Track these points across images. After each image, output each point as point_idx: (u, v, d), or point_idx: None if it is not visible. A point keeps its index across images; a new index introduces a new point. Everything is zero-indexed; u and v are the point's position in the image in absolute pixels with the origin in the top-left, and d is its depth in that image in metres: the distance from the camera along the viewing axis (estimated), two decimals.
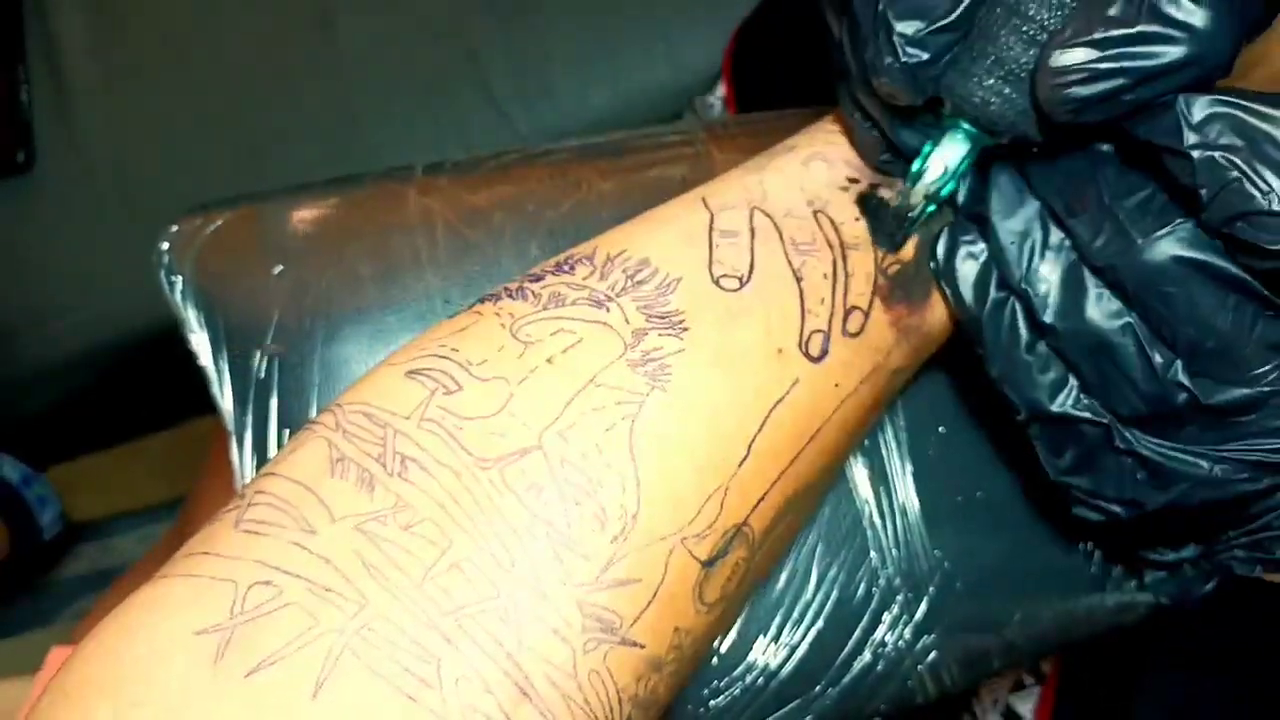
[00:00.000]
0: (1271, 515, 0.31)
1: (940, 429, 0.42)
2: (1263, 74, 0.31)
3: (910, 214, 0.30)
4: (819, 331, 0.30)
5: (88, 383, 1.08)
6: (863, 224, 0.32)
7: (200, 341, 0.39)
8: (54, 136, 1.03)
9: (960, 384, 0.42)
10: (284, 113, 1.00)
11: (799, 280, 0.30)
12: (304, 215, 0.41)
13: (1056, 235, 0.29)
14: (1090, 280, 0.28)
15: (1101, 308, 0.28)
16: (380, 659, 0.23)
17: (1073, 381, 0.30)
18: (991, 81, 0.26)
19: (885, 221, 0.31)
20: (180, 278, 0.40)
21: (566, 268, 0.30)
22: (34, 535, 1.12)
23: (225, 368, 0.39)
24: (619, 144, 0.44)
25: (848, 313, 0.30)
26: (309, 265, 0.40)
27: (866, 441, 0.41)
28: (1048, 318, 0.29)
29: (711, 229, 0.31)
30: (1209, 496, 0.29)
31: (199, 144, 1.00)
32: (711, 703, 0.39)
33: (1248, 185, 0.23)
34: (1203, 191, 0.24)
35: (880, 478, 0.41)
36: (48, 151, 1.03)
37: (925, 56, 0.27)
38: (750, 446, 0.28)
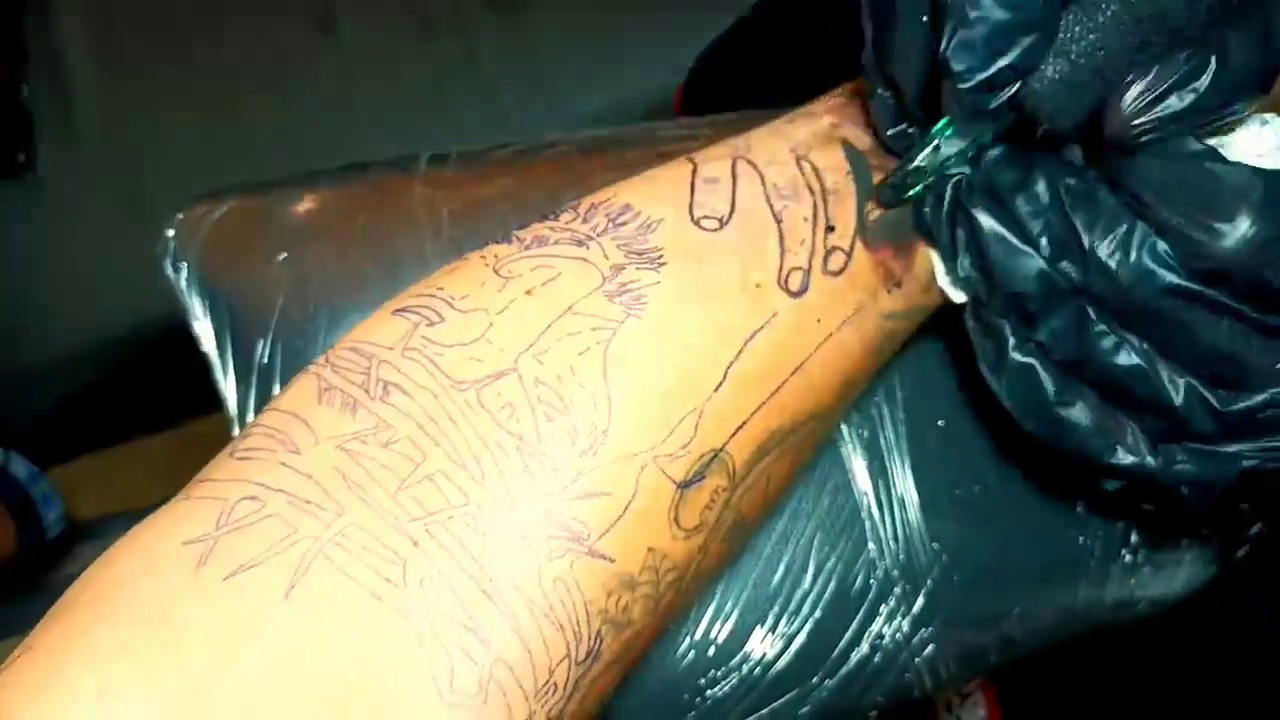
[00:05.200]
0: None
1: (940, 422, 0.42)
2: None
3: (910, 179, 0.30)
4: (798, 269, 0.30)
5: (88, 383, 1.08)
6: (845, 171, 0.32)
7: (204, 329, 0.39)
8: (54, 136, 1.03)
9: (960, 377, 0.42)
10: (284, 113, 1.00)
11: (779, 222, 0.30)
12: (308, 204, 0.41)
13: (1055, 280, 0.29)
14: (1092, 318, 0.29)
15: (1106, 342, 0.29)
16: (351, 562, 0.24)
17: (1110, 420, 0.30)
18: (1054, 76, 0.26)
19: (868, 181, 0.32)
20: (185, 265, 0.40)
21: (552, 216, 0.31)
22: (39, 534, 1.12)
23: (229, 355, 0.39)
24: (623, 138, 0.44)
25: (829, 252, 0.31)
26: (313, 253, 0.40)
27: (865, 433, 0.41)
28: (1063, 363, 0.30)
29: (694, 176, 0.31)
30: (1257, 488, 0.30)
31: (199, 144, 1.01)
32: (708, 692, 0.39)
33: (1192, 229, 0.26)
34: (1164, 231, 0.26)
35: (879, 470, 0.41)
36: (48, 151, 1.03)
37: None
38: (727, 373, 0.28)
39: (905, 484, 0.41)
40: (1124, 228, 0.27)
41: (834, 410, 0.33)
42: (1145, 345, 0.28)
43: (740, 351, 0.29)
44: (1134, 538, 0.42)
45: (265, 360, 0.38)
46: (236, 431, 0.38)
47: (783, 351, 0.30)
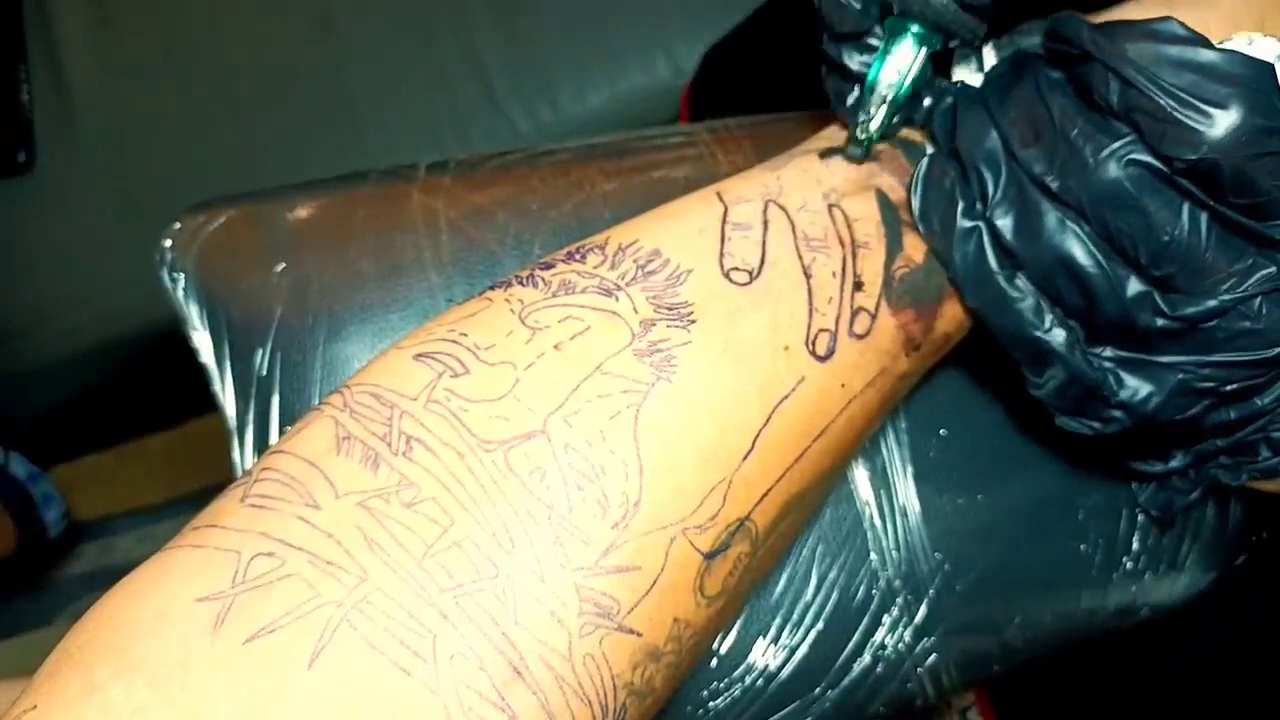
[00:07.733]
0: (1258, 423, 0.31)
1: (942, 431, 0.42)
2: None
3: (871, 120, 0.32)
4: (826, 331, 0.30)
5: (88, 382, 1.08)
6: (876, 222, 0.32)
7: (202, 339, 0.39)
8: (54, 136, 1.03)
9: (962, 386, 0.42)
10: (284, 113, 1.00)
11: (808, 277, 0.30)
12: (306, 213, 0.41)
13: (1016, 166, 0.30)
14: (1048, 206, 0.29)
15: (1062, 231, 0.29)
16: (377, 632, 0.23)
17: (1046, 305, 0.30)
18: None
19: (898, 237, 0.32)
20: (182, 275, 0.39)
21: (578, 256, 0.30)
22: (40, 533, 1.12)
23: (227, 365, 0.38)
24: (622, 145, 0.44)
25: (855, 314, 0.30)
26: (311, 263, 0.40)
27: (867, 443, 0.41)
28: (1011, 244, 0.30)
29: (724, 221, 0.31)
30: (1183, 409, 0.30)
31: (199, 144, 1.01)
32: (711, 704, 0.39)
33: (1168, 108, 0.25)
34: (1136, 118, 0.26)
35: (881, 479, 0.41)
36: (48, 151, 1.03)
37: None
38: (755, 441, 0.28)
39: (907, 494, 0.41)
40: (1099, 115, 0.27)
41: (846, 464, 0.33)
42: (1100, 237, 0.28)
43: (769, 419, 0.28)
44: (1135, 545, 0.42)
45: (264, 372, 0.38)
46: (236, 445, 0.38)
47: (808, 418, 0.29)
